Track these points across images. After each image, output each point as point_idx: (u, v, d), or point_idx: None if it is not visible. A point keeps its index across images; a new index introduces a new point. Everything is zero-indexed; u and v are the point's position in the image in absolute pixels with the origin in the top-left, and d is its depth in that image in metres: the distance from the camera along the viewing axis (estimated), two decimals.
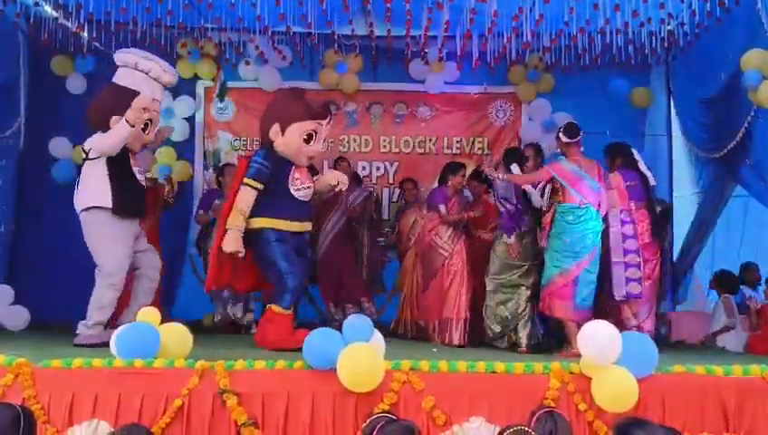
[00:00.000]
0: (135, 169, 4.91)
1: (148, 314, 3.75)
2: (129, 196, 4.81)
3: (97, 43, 6.80)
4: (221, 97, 7.48)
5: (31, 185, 7.09)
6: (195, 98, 7.56)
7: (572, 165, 5.13)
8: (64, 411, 3.30)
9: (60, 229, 7.09)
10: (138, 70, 4.87)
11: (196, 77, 7.50)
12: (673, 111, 7.55)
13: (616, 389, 3.39)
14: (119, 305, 4.82)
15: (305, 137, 4.79)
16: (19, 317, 5.82)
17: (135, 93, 4.81)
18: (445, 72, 7.50)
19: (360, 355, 3.38)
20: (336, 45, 7.24)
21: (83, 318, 4.63)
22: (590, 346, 3.46)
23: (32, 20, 6.60)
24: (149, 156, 6.48)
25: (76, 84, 7.26)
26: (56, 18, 6.56)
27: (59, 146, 7.15)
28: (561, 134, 5.27)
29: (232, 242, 4.66)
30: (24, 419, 2.68)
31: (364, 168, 7.74)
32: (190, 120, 7.54)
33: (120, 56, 4.98)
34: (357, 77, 7.55)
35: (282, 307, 4.64)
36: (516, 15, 5.89)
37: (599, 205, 5.07)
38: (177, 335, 3.76)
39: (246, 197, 4.71)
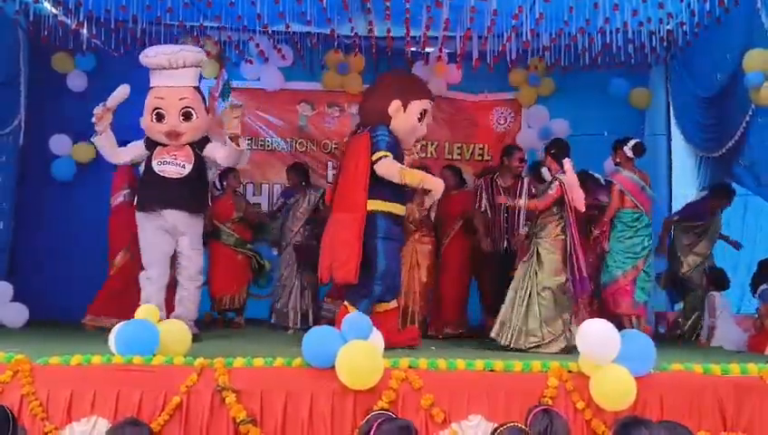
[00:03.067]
0: (155, 163, 4.91)
1: (147, 312, 3.75)
2: (149, 190, 4.89)
3: (97, 41, 6.80)
4: (225, 96, 7.47)
5: (31, 182, 7.08)
6: None
7: (634, 175, 5.72)
8: (63, 408, 3.30)
9: (59, 227, 7.13)
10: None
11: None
12: (672, 110, 7.56)
13: (614, 387, 3.39)
14: (111, 300, 4.87)
15: (419, 115, 4.73)
16: (18, 314, 5.83)
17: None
18: (447, 76, 7.48)
19: (358, 353, 3.38)
20: (336, 45, 7.23)
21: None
22: (588, 344, 3.46)
23: (31, 17, 6.60)
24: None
25: (76, 82, 7.26)
26: (56, 15, 6.57)
27: (59, 143, 7.15)
28: (626, 148, 5.75)
29: (438, 181, 4.67)
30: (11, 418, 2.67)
31: None
32: None
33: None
34: (360, 77, 7.54)
35: (355, 308, 4.44)
36: (516, 15, 5.89)
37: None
38: (176, 332, 3.77)
39: (391, 164, 4.49)
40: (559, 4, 5.74)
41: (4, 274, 6.62)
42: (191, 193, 5.04)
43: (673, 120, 7.52)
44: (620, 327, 5.05)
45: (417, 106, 4.68)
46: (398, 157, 4.61)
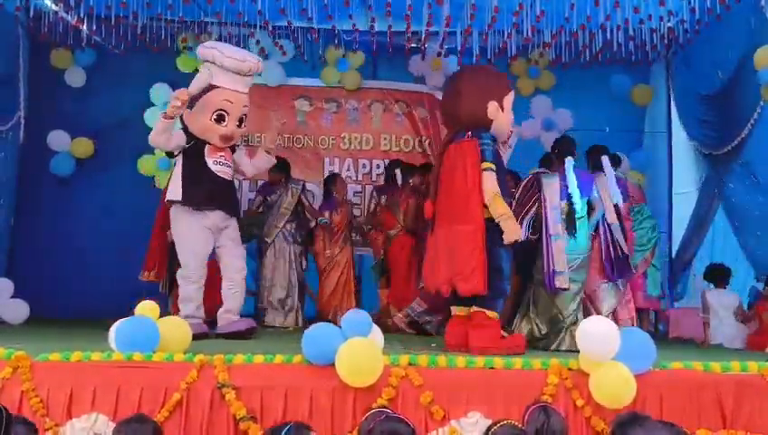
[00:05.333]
0: (211, 161, 4.84)
1: (147, 308, 3.75)
2: (201, 188, 4.78)
3: (96, 37, 6.80)
4: None
5: (30, 178, 7.09)
6: None
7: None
8: (63, 405, 3.29)
9: (59, 223, 7.13)
10: (205, 61, 4.85)
11: (197, 71, 7.45)
12: (673, 107, 7.55)
13: (613, 385, 3.38)
14: (209, 302, 4.88)
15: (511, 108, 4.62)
16: (18, 310, 5.83)
17: (202, 87, 4.77)
18: (445, 69, 7.48)
19: (358, 350, 3.37)
20: (336, 41, 7.23)
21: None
22: (588, 342, 3.46)
23: (31, 13, 6.60)
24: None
25: (76, 78, 7.26)
26: (56, 12, 6.56)
27: (58, 139, 7.15)
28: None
29: (516, 229, 4.31)
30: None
31: (365, 165, 7.74)
32: None
33: (198, 51, 4.98)
34: (359, 74, 7.53)
35: (496, 312, 4.34)
36: (517, 12, 5.88)
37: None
38: (176, 329, 3.76)
39: (494, 180, 4.34)
40: (560, 1, 5.73)
41: (4, 270, 6.63)
42: (234, 195, 5.14)
43: (674, 118, 7.51)
44: (640, 324, 5.30)
45: (508, 101, 4.59)
46: (499, 161, 4.50)
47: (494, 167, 4.34)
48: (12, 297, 5.92)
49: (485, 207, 4.30)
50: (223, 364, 3.40)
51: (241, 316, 5.08)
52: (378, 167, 7.74)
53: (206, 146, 4.84)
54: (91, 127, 7.30)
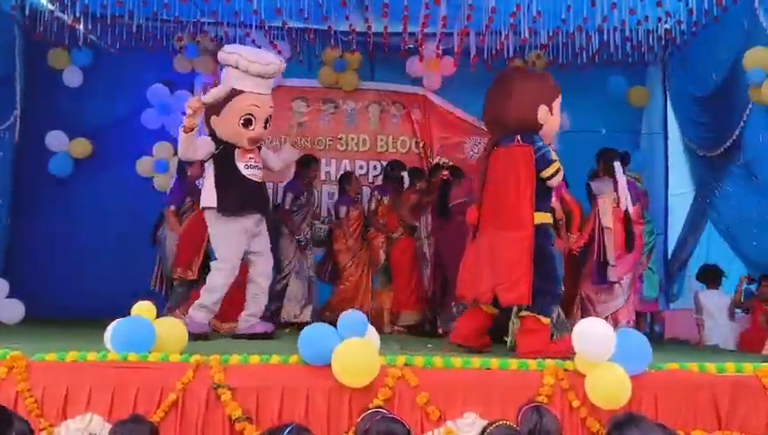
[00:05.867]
0: (242, 165, 4.83)
1: (144, 309, 3.74)
2: (235, 193, 4.78)
3: (93, 37, 6.78)
4: None
5: (26, 178, 7.07)
6: (193, 93, 7.53)
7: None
8: (58, 405, 3.29)
9: (55, 223, 7.12)
10: (227, 66, 4.80)
11: (193, 72, 7.48)
12: (669, 109, 7.57)
13: (609, 386, 3.39)
14: (231, 307, 4.91)
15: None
16: (14, 310, 5.82)
17: (227, 91, 4.72)
18: (442, 71, 7.48)
19: (354, 351, 3.38)
20: (333, 41, 7.23)
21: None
22: (584, 343, 3.46)
23: (27, 12, 6.59)
24: (287, 172, 6.04)
25: (72, 78, 7.25)
26: (52, 11, 6.55)
27: (55, 139, 7.14)
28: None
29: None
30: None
31: (362, 166, 7.73)
32: None
33: (219, 56, 4.93)
34: (356, 75, 7.53)
35: (548, 317, 4.26)
36: (514, 13, 5.89)
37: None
38: (172, 329, 3.76)
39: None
40: (557, 2, 5.74)
41: (0, 270, 6.62)
42: (266, 196, 5.18)
43: (670, 119, 7.53)
44: (637, 326, 5.30)
45: (557, 105, 4.52)
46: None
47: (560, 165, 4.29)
48: (8, 297, 5.90)
49: (546, 209, 4.31)
50: (219, 365, 3.40)
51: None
52: (375, 168, 7.73)
53: (236, 150, 4.82)
54: (88, 127, 7.29)
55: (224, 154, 4.81)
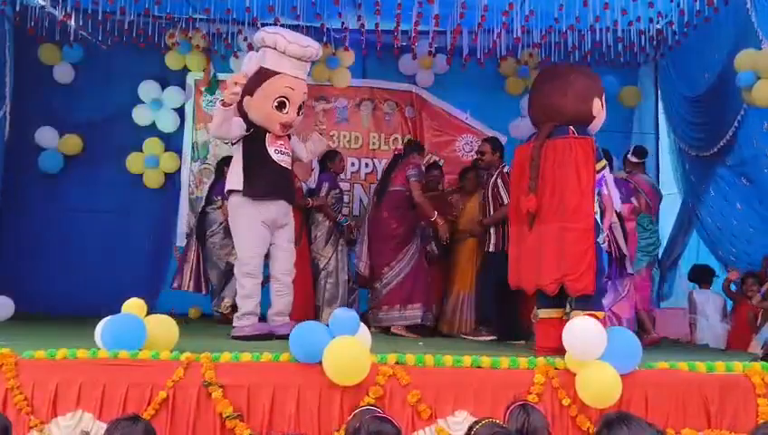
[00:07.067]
0: (272, 150, 4.73)
1: (134, 306, 3.73)
2: (263, 178, 4.66)
3: (84, 33, 6.74)
4: (212, 91, 7.41)
5: (16, 175, 7.01)
6: (185, 89, 7.51)
7: (647, 176, 6.09)
8: (48, 402, 3.27)
9: (45, 219, 7.08)
10: (265, 46, 4.74)
11: (185, 68, 7.44)
12: (661, 109, 7.59)
13: (599, 384, 3.40)
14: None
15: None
16: (3, 307, 5.77)
17: (261, 72, 4.66)
18: (434, 69, 7.49)
19: (345, 349, 3.37)
20: (325, 39, 7.21)
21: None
22: (574, 342, 3.47)
23: (18, 8, 6.54)
24: (307, 166, 6.08)
25: (63, 73, 7.20)
26: (43, 6, 6.50)
27: (45, 136, 7.09)
28: (629, 156, 6.06)
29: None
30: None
31: (354, 164, 7.72)
32: (179, 111, 7.46)
33: (256, 36, 4.88)
34: (349, 72, 7.52)
35: (603, 311, 4.34)
36: (506, 11, 5.90)
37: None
38: (162, 327, 3.75)
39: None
40: (549, 2, 5.75)
41: None
42: (293, 184, 5.05)
43: (662, 119, 7.55)
44: (640, 326, 5.38)
45: (604, 99, 4.63)
46: None
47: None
48: None
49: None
50: (210, 362, 3.39)
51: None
52: (366, 166, 7.74)
53: (267, 134, 4.73)
54: (78, 123, 7.25)
55: (255, 137, 4.71)
